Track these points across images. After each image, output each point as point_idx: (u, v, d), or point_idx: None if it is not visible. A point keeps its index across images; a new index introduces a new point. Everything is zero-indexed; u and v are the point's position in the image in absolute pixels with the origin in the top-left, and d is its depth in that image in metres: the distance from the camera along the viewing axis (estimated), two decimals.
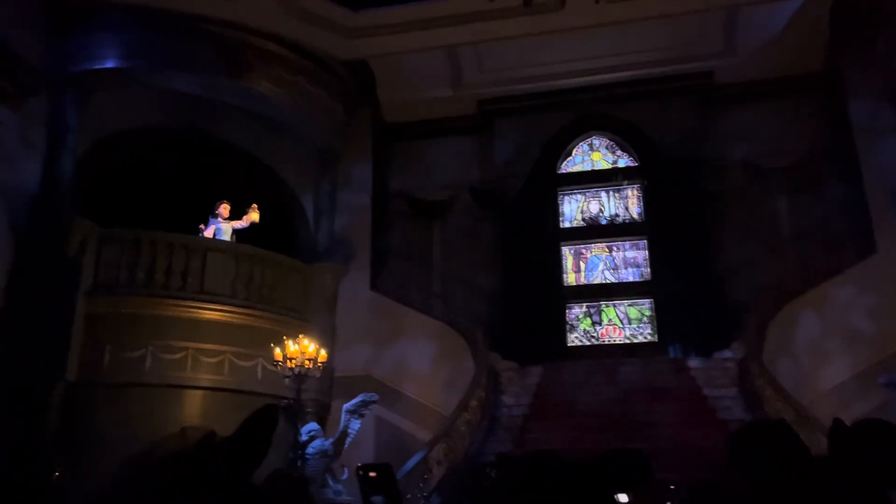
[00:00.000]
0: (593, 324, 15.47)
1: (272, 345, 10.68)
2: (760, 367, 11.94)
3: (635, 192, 16.08)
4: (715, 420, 11.43)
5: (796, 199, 14.75)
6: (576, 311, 15.62)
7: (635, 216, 15.94)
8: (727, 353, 12.72)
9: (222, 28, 13.17)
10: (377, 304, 14.09)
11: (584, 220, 16.22)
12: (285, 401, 10.14)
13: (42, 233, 11.68)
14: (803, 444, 2.28)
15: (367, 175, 15.30)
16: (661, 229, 15.21)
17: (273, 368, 10.85)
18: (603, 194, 16.28)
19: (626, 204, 16.09)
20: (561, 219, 16.16)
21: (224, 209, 13.06)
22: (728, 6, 13.88)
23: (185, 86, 13.31)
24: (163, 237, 12.22)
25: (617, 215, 16.08)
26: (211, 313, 12.15)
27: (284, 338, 10.65)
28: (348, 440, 10.96)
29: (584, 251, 15.99)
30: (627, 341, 15.14)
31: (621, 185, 16.20)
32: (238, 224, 13.00)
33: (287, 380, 10.45)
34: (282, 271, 13.34)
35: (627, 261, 15.69)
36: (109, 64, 12.88)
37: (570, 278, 15.80)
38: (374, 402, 11.24)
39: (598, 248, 15.95)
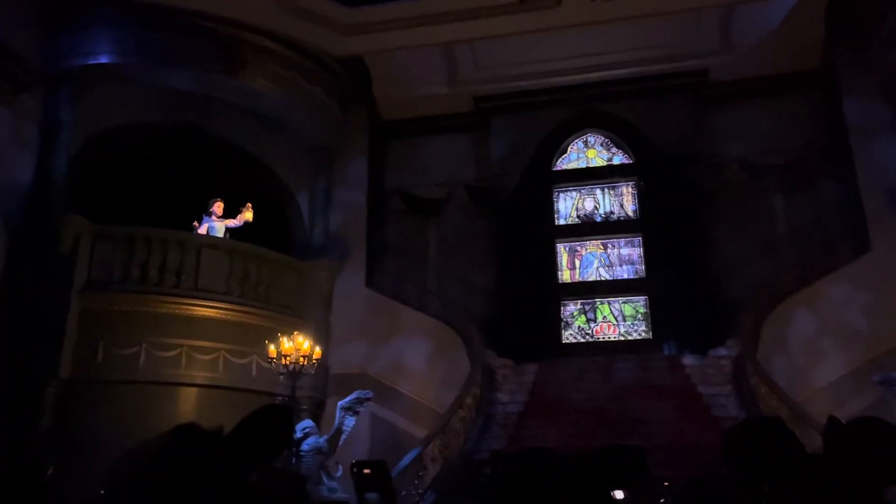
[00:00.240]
0: (588, 321, 15.48)
1: (267, 342, 10.67)
2: (755, 364, 11.96)
3: (630, 190, 16.09)
4: (709, 417, 11.46)
5: (791, 197, 14.78)
6: (571, 309, 15.63)
7: (630, 213, 15.96)
8: (722, 351, 12.76)
9: (217, 24, 13.11)
10: (372, 301, 14.08)
11: (579, 217, 16.23)
12: (280, 398, 10.13)
13: (35, 229, 11.63)
14: (799, 441, 2.28)
15: (362, 172, 15.28)
16: (656, 227, 15.23)
17: (268, 365, 10.83)
18: (598, 191, 16.29)
19: (622, 201, 16.10)
20: (556, 216, 16.17)
21: (218, 207, 13.02)
22: (723, 4, 13.88)
23: (180, 82, 13.25)
24: (157, 234, 12.18)
25: (612, 212, 16.09)
26: (205, 310, 12.12)
27: (279, 335, 10.63)
28: (343, 437, 10.95)
29: (579, 248, 16.00)
30: (622, 338, 15.16)
31: (616, 182, 16.22)
32: (232, 223, 12.96)
33: (282, 377, 10.44)
34: (277, 268, 13.32)
35: (622, 258, 15.70)
36: (103, 60, 12.82)
37: (566, 275, 15.81)
38: (368, 399, 11.23)
39: (593, 246, 15.96)
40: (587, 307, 15.57)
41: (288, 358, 10.35)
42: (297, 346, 10.45)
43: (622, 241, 15.84)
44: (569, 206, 16.33)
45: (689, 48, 15.04)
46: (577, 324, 15.50)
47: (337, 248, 14.38)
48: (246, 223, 12.98)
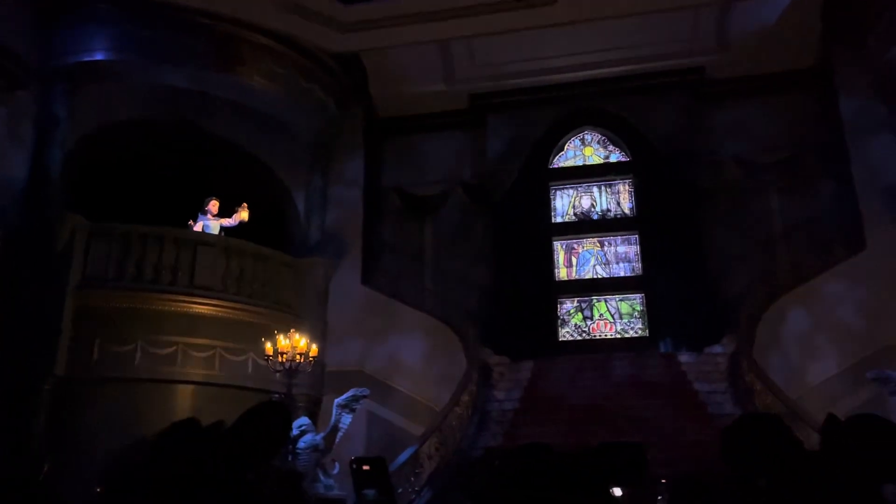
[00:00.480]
0: (584, 318, 15.49)
1: (263, 339, 10.66)
2: (751, 361, 11.99)
3: (627, 188, 16.10)
4: (705, 414, 11.48)
5: (787, 195, 14.79)
6: (567, 306, 15.63)
7: (627, 211, 15.96)
8: (718, 348, 12.78)
9: (213, 21, 13.09)
10: (369, 298, 14.08)
11: (575, 214, 16.23)
12: (276, 395, 10.13)
13: (30, 227, 11.60)
14: (797, 438, 2.28)
15: (359, 170, 15.27)
16: (653, 224, 15.24)
17: (264, 363, 10.82)
18: (595, 189, 16.30)
19: (618, 199, 16.11)
20: (553, 214, 16.17)
21: (213, 206, 12.98)
22: (720, 1, 13.90)
23: (176, 79, 13.22)
24: (153, 231, 12.15)
25: (609, 210, 16.10)
26: (201, 308, 12.09)
27: (276, 332, 10.62)
28: (339, 435, 10.95)
29: (575, 246, 16.00)
30: (618, 336, 15.17)
31: (613, 180, 16.23)
32: (227, 222, 12.93)
33: (278, 374, 10.43)
34: (273, 266, 13.30)
35: (619, 256, 15.71)
36: (98, 56, 12.80)
37: (562, 273, 15.81)
38: (365, 396, 11.23)
39: (590, 243, 15.96)
40: (584, 305, 15.58)
41: (284, 355, 10.34)
42: (294, 343, 10.44)
43: (619, 238, 15.84)
44: (565, 203, 16.33)
45: (685, 46, 15.05)
46: (573, 321, 15.51)
47: (333, 245, 14.37)
48: (241, 222, 12.94)
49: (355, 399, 11.11)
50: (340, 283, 14.12)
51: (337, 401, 11.10)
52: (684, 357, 13.04)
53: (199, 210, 12.97)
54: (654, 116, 15.59)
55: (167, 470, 2.17)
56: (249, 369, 12.18)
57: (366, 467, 4.32)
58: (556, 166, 16.48)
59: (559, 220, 16.20)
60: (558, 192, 16.40)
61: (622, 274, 15.57)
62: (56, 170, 12.27)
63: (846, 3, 13.48)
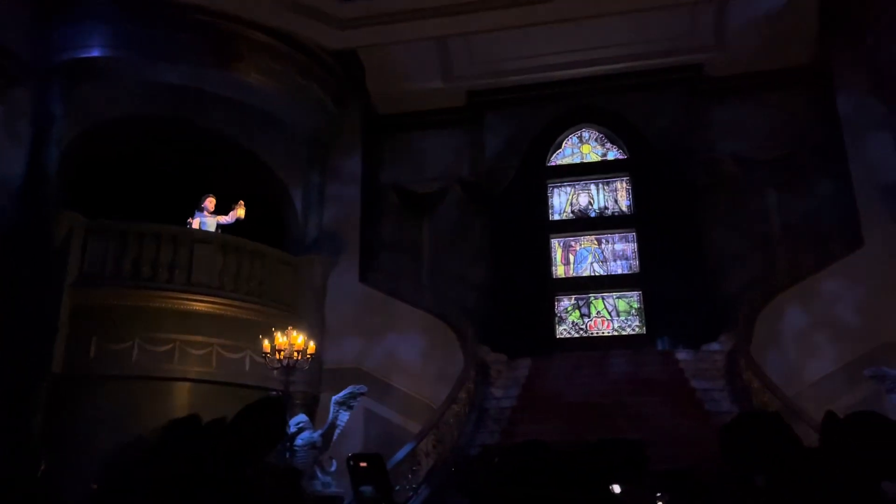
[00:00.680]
0: (582, 316, 15.49)
1: (260, 337, 10.64)
2: (748, 359, 12.00)
3: (624, 185, 16.10)
4: (702, 412, 11.49)
5: (785, 193, 14.79)
6: (564, 304, 15.64)
7: (624, 209, 15.96)
8: (715, 346, 12.80)
9: (210, 18, 13.05)
10: (367, 296, 14.07)
11: (573, 212, 16.23)
12: (274, 392, 10.11)
13: (27, 224, 11.57)
14: (796, 436, 2.27)
15: (356, 167, 15.25)
16: (650, 222, 15.24)
17: (261, 360, 10.80)
18: (592, 187, 16.29)
19: (616, 196, 16.11)
20: (550, 211, 16.16)
21: (210, 203, 12.96)
22: None
23: (173, 76, 13.18)
24: (150, 228, 12.14)
25: (606, 208, 16.10)
26: (198, 305, 12.08)
27: (273, 330, 10.61)
28: (337, 432, 10.94)
29: (573, 243, 16.00)
30: (616, 333, 15.17)
31: (611, 178, 16.23)
32: (223, 219, 12.89)
33: (275, 372, 10.41)
34: (270, 263, 13.28)
35: (616, 253, 15.71)
36: (95, 53, 12.76)
37: (559, 271, 15.81)
38: (362, 394, 11.23)
39: (587, 241, 15.96)
40: (581, 302, 15.58)
41: (282, 353, 10.33)
42: (291, 340, 10.43)
43: (616, 236, 15.84)
44: (563, 201, 16.33)
45: (683, 43, 15.04)
46: (570, 319, 15.51)
47: (331, 242, 14.36)
48: (238, 220, 12.91)
49: (353, 396, 11.11)
50: (338, 280, 14.11)
51: (334, 398, 11.09)
52: (682, 355, 13.05)
53: (196, 207, 12.94)
54: (652, 114, 15.58)
55: (168, 469, 2.16)
56: (247, 367, 12.17)
57: (363, 464, 4.32)
58: (553, 164, 16.48)
59: (556, 217, 16.19)
60: (556, 190, 16.39)
61: (619, 271, 15.58)
62: (53, 167, 12.24)
63: (844, 1, 13.48)
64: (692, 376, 12.44)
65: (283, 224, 14.92)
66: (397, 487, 9.88)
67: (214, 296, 12.23)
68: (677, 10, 14.11)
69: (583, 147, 16.57)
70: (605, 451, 2.73)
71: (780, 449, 2.20)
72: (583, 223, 16.06)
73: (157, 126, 14.01)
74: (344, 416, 11.02)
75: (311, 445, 10.50)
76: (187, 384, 11.80)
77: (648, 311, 14.95)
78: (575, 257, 15.89)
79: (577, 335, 15.32)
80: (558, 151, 16.58)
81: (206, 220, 12.84)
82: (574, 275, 15.77)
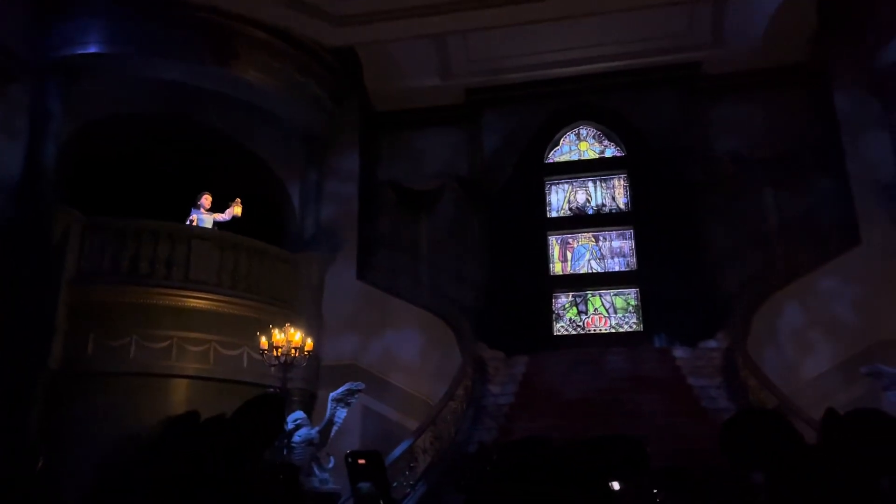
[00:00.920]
0: (579, 313, 15.51)
1: (258, 333, 10.64)
2: (745, 356, 12.02)
3: (622, 182, 16.11)
4: (699, 409, 11.52)
5: (782, 191, 14.81)
6: (562, 301, 15.66)
7: (622, 206, 15.98)
8: (712, 343, 12.82)
9: (208, 14, 13.02)
10: (364, 293, 14.07)
11: (570, 209, 16.24)
12: (271, 389, 10.11)
13: (25, 221, 11.55)
14: (797, 433, 2.28)
15: (354, 164, 15.24)
16: (648, 219, 15.26)
17: (259, 357, 10.81)
18: (590, 184, 16.30)
19: (613, 194, 16.12)
20: (548, 208, 16.17)
21: (206, 200, 12.93)
22: None
23: (170, 73, 13.15)
24: (147, 225, 12.13)
25: (603, 205, 16.11)
26: (196, 302, 12.08)
27: (270, 326, 10.61)
28: (334, 429, 10.96)
29: (570, 241, 16.02)
30: (613, 331, 15.20)
31: (608, 175, 16.24)
32: (220, 217, 12.87)
33: (273, 368, 10.42)
34: (268, 260, 13.28)
35: (614, 250, 15.73)
36: (93, 50, 12.73)
37: (557, 268, 15.83)
38: (360, 390, 11.24)
39: (585, 238, 15.98)
40: (578, 299, 15.60)
41: (279, 350, 10.34)
42: (289, 337, 10.43)
43: (614, 233, 15.86)
44: (561, 198, 16.34)
45: (681, 41, 15.05)
46: (568, 316, 15.53)
47: (328, 240, 14.35)
48: (234, 217, 12.88)
49: (350, 393, 11.12)
50: (336, 277, 14.10)
51: (332, 395, 11.10)
52: (679, 352, 13.07)
53: (192, 204, 12.92)
54: (650, 112, 15.60)
55: (167, 467, 2.16)
56: (244, 363, 12.17)
57: (361, 461, 4.32)
58: (551, 161, 16.49)
59: (554, 214, 16.20)
60: (553, 187, 16.40)
61: (617, 269, 15.60)
62: (50, 164, 12.22)
63: (842, 0, 13.49)
64: (689, 374, 12.46)
65: (281, 221, 14.92)
66: (394, 484, 9.89)
67: (212, 292, 12.22)
68: (675, 7, 14.10)
69: (580, 144, 16.58)
70: (605, 448, 2.73)
71: (781, 446, 2.21)
72: (580, 220, 16.08)
73: (154, 123, 14.00)
74: (341, 413, 11.03)
75: (309, 442, 10.51)
76: (185, 381, 11.80)
77: (646, 309, 14.98)
78: (572, 254, 15.91)
79: (574, 332, 15.34)
80: (556, 149, 16.59)
81: (203, 218, 12.82)
82: (571, 272, 15.79)
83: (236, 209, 12.81)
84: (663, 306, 14.44)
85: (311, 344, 10.98)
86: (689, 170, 15.13)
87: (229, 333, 12.18)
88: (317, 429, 10.74)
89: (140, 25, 12.77)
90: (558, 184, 16.43)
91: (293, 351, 10.37)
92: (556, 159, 16.54)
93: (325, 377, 12.97)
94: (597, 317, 15.40)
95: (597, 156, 16.43)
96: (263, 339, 10.46)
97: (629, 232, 15.69)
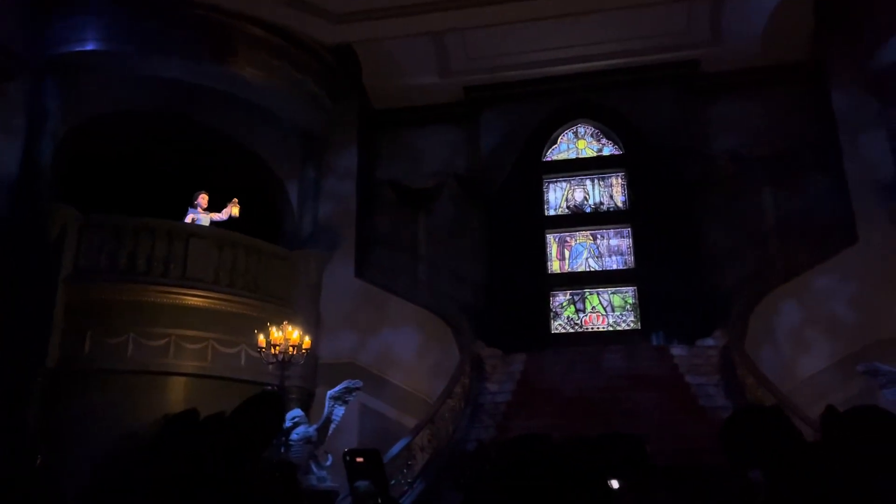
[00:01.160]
0: (577, 311, 15.53)
1: (256, 331, 10.64)
2: (742, 355, 12.03)
3: (620, 181, 16.12)
4: (697, 407, 11.52)
5: (780, 190, 14.83)
6: (560, 299, 15.67)
7: (619, 204, 15.99)
8: (709, 342, 12.82)
9: (206, 12, 13.02)
10: (362, 291, 14.05)
11: (568, 208, 16.25)
12: (269, 387, 10.10)
13: (22, 218, 11.53)
14: (797, 430, 2.28)
15: (352, 162, 15.22)
16: (646, 217, 15.28)
17: (257, 355, 10.80)
18: (588, 182, 16.31)
19: (611, 192, 16.14)
20: (546, 206, 16.19)
21: (203, 200, 12.88)
22: None
23: (168, 70, 13.12)
24: (145, 223, 12.10)
25: (601, 203, 16.13)
26: (194, 300, 12.06)
27: (268, 324, 10.60)
28: (332, 427, 10.95)
29: (568, 239, 16.03)
30: (611, 329, 15.22)
31: (606, 173, 16.25)
32: (217, 216, 12.81)
33: (271, 366, 10.41)
34: (265, 258, 13.26)
35: (611, 249, 15.75)
36: (90, 47, 12.70)
37: (555, 266, 15.84)
38: (358, 388, 11.24)
39: (583, 236, 16.00)
40: (576, 297, 15.61)
41: (277, 347, 10.33)
42: (287, 335, 10.43)
43: (611, 231, 15.88)
44: (559, 196, 16.35)
45: (679, 39, 15.06)
46: (566, 314, 15.55)
47: (326, 237, 14.34)
48: (231, 218, 12.84)
49: (348, 391, 11.12)
50: (334, 275, 14.09)
51: (330, 393, 11.10)
52: (676, 350, 13.09)
53: (190, 203, 12.89)
54: (648, 110, 15.61)
55: (167, 467, 2.16)
56: (242, 361, 12.16)
57: (359, 459, 4.32)
58: (549, 159, 16.50)
59: (552, 213, 16.22)
60: (551, 185, 16.41)
61: (614, 267, 15.62)
62: (47, 161, 12.19)
63: None
64: (687, 372, 12.47)
65: (279, 219, 14.90)
66: (392, 482, 9.89)
67: (210, 290, 12.20)
68: (674, 5, 14.12)
69: (578, 143, 16.59)
70: (604, 446, 2.73)
71: (781, 444, 2.21)
72: (578, 218, 16.09)
73: (152, 121, 13.97)
74: (339, 411, 11.03)
75: (307, 440, 10.51)
76: (183, 379, 11.78)
77: (643, 307, 15.00)
78: (570, 252, 15.92)
79: (572, 330, 15.36)
80: (554, 147, 16.60)
81: (200, 217, 12.77)
82: (569, 270, 15.81)
83: (234, 209, 12.77)
84: (661, 304, 14.46)
85: (309, 342, 10.98)
86: (687, 168, 15.14)
87: (227, 331, 12.17)
88: (314, 427, 10.74)
89: (138, 23, 12.74)
90: (556, 182, 16.43)
91: (291, 349, 10.37)
92: (555, 157, 16.55)
93: (323, 375, 12.97)
94: (594, 315, 15.42)
95: (595, 154, 16.44)
96: (261, 337, 10.46)
97: (627, 230, 15.71)
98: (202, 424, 2.37)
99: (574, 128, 16.64)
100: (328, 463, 10.59)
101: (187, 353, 11.81)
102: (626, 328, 15.10)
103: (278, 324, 10.68)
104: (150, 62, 12.98)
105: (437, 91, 16.24)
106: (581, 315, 15.48)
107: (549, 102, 16.21)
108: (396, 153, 16.60)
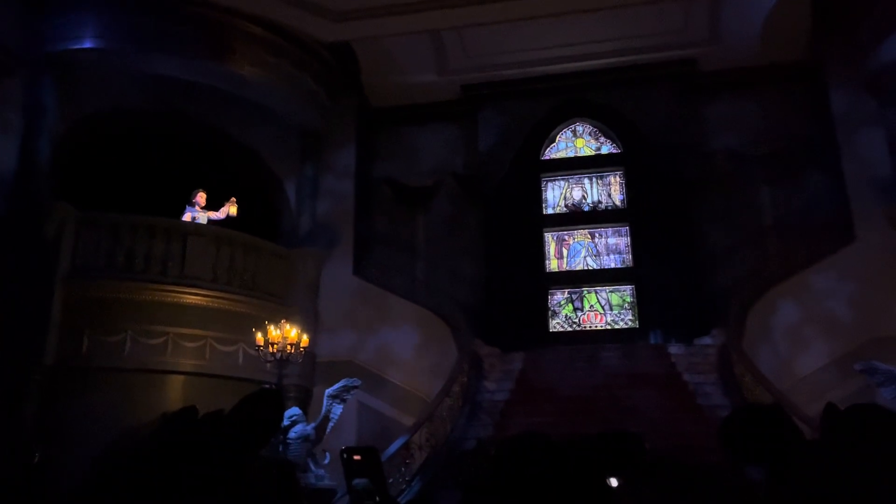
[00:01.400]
0: (575, 310, 15.53)
1: (254, 329, 10.63)
2: (740, 353, 12.05)
3: (618, 179, 16.12)
4: (694, 405, 11.54)
5: (778, 188, 14.85)
6: (558, 298, 15.67)
7: (618, 203, 15.99)
8: (707, 340, 12.85)
9: (203, 10, 12.98)
10: (360, 289, 14.05)
11: (566, 206, 16.25)
12: (267, 385, 10.10)
13: (19, 216, 11.50)
14: (797, 428, 2.28)
15: (350, 160, 15.21)
16: (644, 216, 15.28)
17: (255, 353, 10.80)
18: (586, 181, 16.31)
19: (609, 191, 16.13)
20: (544, 205, 16.19)
21: (201, 198, 12.84)
22: None
23: (166, 68, 13.09)
24: (142, 221, 12.09)
25: (599, 202, 16.12)
26: (192, 298, 12.05)
27: (266, 322, 10.59)
28: (330, 425, 10.96)
29: (566, 237, 16.03)
30: (609, 327, 15.23)
31: (604, 171, 16.25)
32: (214, 215, 12.77)
33: (269, 365, 10.41)
34: (264, 256, 13.26)
35: (609, 247, 15.75)
36: (87, 44, 12.66)
37: (553, 264, 15.84)
38: (356, 387, 11.24)
39: (581, 235, 16.00)
40: (574, 296, 15.61)
41: (275, 346, 10.33)
42: (285, 333, 10.43)
43: (609, 230, 15.88)
44: (557, 195, 16.35)
45: (677, 38, 15.06)
46: (564, 313, 15.55)
47: (324, 236, 14.33)
48: (229, 217, 12.79)
49: (346, 389, 11.12)
50: (332, 273, 14.08)
51: (328, 391, 11.10)
52: (674, 348, 13.10)
53: (188, 201, 12.85)
54: (646, 108, 15.61)
55: (167, 467, 2.15)
56: (240, 359, 12.16)
57: (357, 457, 4.30)
58: (547, 158, 16.49)
59: (550, 211, 16.22)
60: (549, 184, 16.41)
61: (613, 265, 15.62)
62: (45, 159, 12.16)
63: None
64: (684, 370, 12.49)
65: (277, 217, 14.89)
66: (390, 480, 9.88)
67: (207, 288, 12.19)
68: (672, 4, 14.10)
69: (576, 141, 16.59)
70: (604, 444, 2.73)
71: (781, 441, 2.20)
72: (576, 217, 16.09)
73: (149, 118, 13.94)
74: (337, 410, 11.03)
75: (305, 438, 10.51)
76: (181, 377, 11.78)
77: (641, 305, 15.01)
78: (568, 251, 15.92)
79: (570, 329, 15.36)
80: (552, 145, 16.59)
81: (198, 216, 12.74)
82: (567, 269, 15.81)
83: (231, 208, 12.73)
84: (659, 303, 14.47)
85: (307, 340, 10.98)
86: (685, 167, 15.14)
87: (225, 329, 12.16)
88: (312, 425, 10.74)
89: (135, 20, 12.71)
90: (554, 180, 16.43)
91: (289, 347, 10.37)
92: (553, 156, 16.55)
93: (321, 373, 12.97)
94: (592, 313, 15.42)
95: (593, 152, 16.44)
96: (259, 336, 10.45)
97: (625, 229, 15.72)
98: (201, 422, 2.36)
99: (572, 126, 16.64)
100: (326, 461, 10.59)
101: (185, 351, 11.80)
102: (624, 327, 15.11)
103: (276, 322, 10.67)
104: (148, 60, 12.95)
105: (436, 89, 16.23)
106: (579, 314, 15.49)
107: (547, 101, 16.21)
108: (394, 151, 16.58)
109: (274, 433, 2.76)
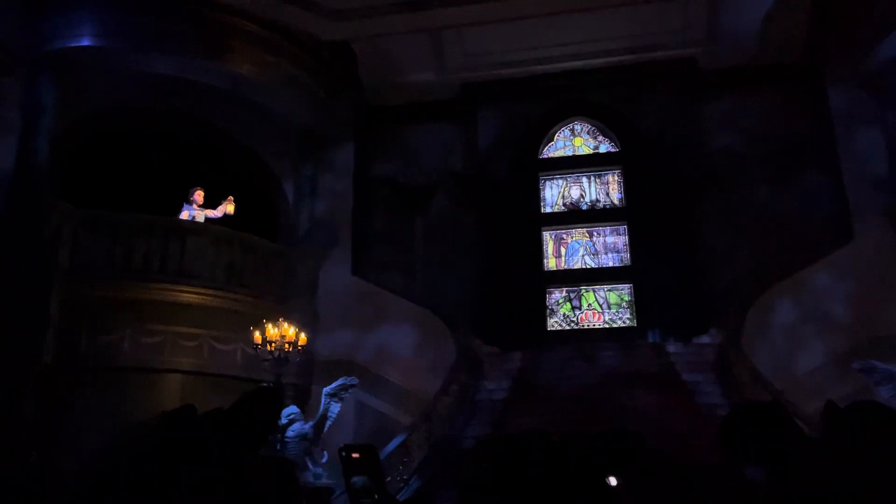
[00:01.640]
0: (573, 308, 15.53)
1: (252, 328, 10.62)
2: (738, 352, 12.06)
3: (616, 178, 16.12)
4: (693, 404, 11.55)
5: (776, 187, 14.83)
6: (556, 296, 15.67)
7: (616, 202, 16.00)
8: (706, 339, 12.87)
9: (203, 8, 12.97)
10: (359, 288, 14.05)
11: (564, 205, 16.25)
12: (265, 384, 10.09)
13: (18, 215, 11.48)
14: (797, 426, 2.27)
15: (349, 159, 15.21)
16: (642, 215, 15.29)
17: (253, 352, 10.79)
18: (584, 179, 16.31)
19: (607, 189, 16.14)
20: (542, 204, 16.18)
21: (198, 196, 12.83)
22: None
23: (164, 67, 13.06)
24: (141, 220, 12.08)
25: (598, 200, 16.13)
26: (190, 296, 12.04)
27: (264, 321, 10.59)
28: (328, 424, 10.96)
29: (564, 236, 16.03)
30: (607, 326, 15.23)
31: (602, 170, 16.25)
32: (212, 213, 12.74)
33: (267, 363, 10.40)
34: (262, 255, 13.25)
35: (608, 246, 15.75)
36: (85, 43, 12.63)
37: (551, 263, 15.84)
38: (353, 385, 11.24)
39: (579, 234, 16.00)
40: (572, 295, 15.62)
41: (273, 344, 10.32)
42: (283, 332, 10.42)
43: (608, 229, 15.88)
44: (555, 193, 16.35)
45: (677, 37, 15.05)
46: (562, 311, 15.55)
47: (323, 235, 14.32)
48: (227, 215, 12.78)
49: (344, 388, 11.12)
50: (330, 272, 14.08)
51: (326, 390, 11.10)
52: (672, 347, 13.12)
53: (186, 199, 12.84)
54: (645, 107, 15.61)
55: (166, 465, 2.15)
56: (238, 358, 12.15)
57: (355, 455, 4.29)
58: (545, 156, 16.49)
59: (548, 210, 16.22)
60: (548, 183, 16.41)
61: (611, 264, 15.62)
62: (43, 157, 12.14)
63: None
64: (683, 369, 12.50)
65: (275, 216, 14.88)
66: (389, 478, 9.89)
67: (206, 287, 12.18)
68: (671, 3, 14.10)
69: (575, 140, 16.59)
70: (603, 442, 2.73)
71: (781, 440, 2.20)
72: (574, 216, 16.09)
73: (147, 117, 13.93)
74: (335, 408, 11.03)
75: (303, 437, 10.52)
76: (179, 376, 11.77)
77: (639, 304, 15.01)
78: (566, 250, 15.92)
79: (568, 328, 15.36)
80: (550, 144, 16.59)
81: (195, 214, 12.73)
82: (565, 267, 15.81)
83: (229, 207, 12.70)
84: (657, 302, 14.48)
85: (305, 339, 10.98)
86: (683, 166, 15.14)
87: (223, 328, 12.15)
88: (310, 424, 10.74)
89: (133, 19, 12.69)
90: (553, 179, 16.43)
91: (287, 346, 10.37)
92: (551, 155, 16.55)
93: (319, 372, 12.95)
94: (591, 312, 15.43)
95: (591, 151, 16.44)
96: (257, 334, 10.45)
97: (623, 227, 15.72)
98: (200, 421, 2.36)
99: (571, 125, 16.64)
100: (324, 459, 10.59)
101: (183, 350, 11.79)
102: (623, 325, 15.11)
103: (274, 321, 10.66)
104: (146, 58, 12.92)
105: (434, 88, 16.22)
106: (577, 312, 15.49)
107: (545, 100, 16.21)
108: (393, 150, 16.56)
109: (272, 432, 2.76)
